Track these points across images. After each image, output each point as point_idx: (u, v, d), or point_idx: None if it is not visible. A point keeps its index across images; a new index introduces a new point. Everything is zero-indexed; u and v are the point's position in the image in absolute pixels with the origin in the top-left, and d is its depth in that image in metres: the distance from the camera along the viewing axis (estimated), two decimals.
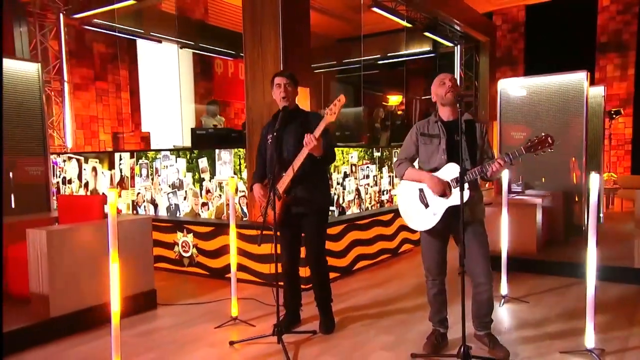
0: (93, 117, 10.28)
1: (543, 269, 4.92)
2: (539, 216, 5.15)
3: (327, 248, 3.87)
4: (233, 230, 3.69)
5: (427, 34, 9.21)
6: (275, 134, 3.34)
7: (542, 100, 5.94)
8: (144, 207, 5.72)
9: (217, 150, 5.05)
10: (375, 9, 7.75)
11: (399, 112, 11.65)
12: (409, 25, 8.68)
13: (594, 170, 7.11)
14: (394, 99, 13.17)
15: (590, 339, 2.98)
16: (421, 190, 3.03)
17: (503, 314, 3.82)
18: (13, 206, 4.71)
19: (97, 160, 6.09)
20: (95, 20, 8.68)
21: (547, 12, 12.14)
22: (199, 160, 5.20)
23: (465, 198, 2.83)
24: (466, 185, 2.84)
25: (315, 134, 3.11)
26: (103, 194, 5.94)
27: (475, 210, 3.01)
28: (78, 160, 6.30)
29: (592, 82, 9.25)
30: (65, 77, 8.86)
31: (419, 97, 11.34)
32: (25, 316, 3.53)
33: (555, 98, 5.87)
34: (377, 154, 6.03)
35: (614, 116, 10.51)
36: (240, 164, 4.94)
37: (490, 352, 3.02)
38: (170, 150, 5.55)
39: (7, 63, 4.66)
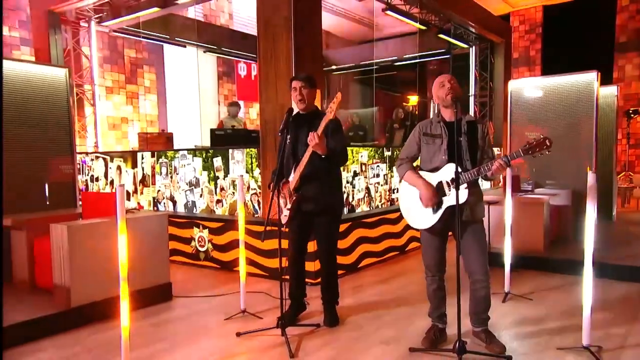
0: (124, 119, 10.52)
1: (550, 267, 4.82)
2: (546, 214, 5.05)
3: None
4: (242, 226, 3.73)
5: (441, 35, 9.10)
6: (289, 135, 3.38)
7: (552, 101, 5.82)
8: (164, 203, 5.83)
9: (230, 150, 5.11)
10: (389, 13, 7.70)
11: (416, 112, 11.58)
12: (422, 27, 8.59)
13: (608, 169, 7.00)
14: (414, 99, 13.08)
15: (586, 336, 2.92)
16: None
17: (505, 311, 3.76)
18: (47, 203, 4.85)
19: (122, 159, 6.23)
20: (124, 27, 8.84)
21: (566, 12, 11.89)
22: (214, 160, 5.27)
23: (463, 198, 2.81)
24: (464, 186, 2.82)
25: (317, 132, 3.12)
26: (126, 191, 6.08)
27: (475, 210, 2.98)
28: (104, 159, 6.45)
29: (608, 82, 9.05)
30: (96, 81, 9.05)
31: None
32: (49, 306, 3.64)
33: (565, 98, 5.74)
34: (387, 153, 5.99)
35: (632, 115, 10.23)
36: (252, 163, 4.98)
37: (486, 348, 2.99)
38: (187, 150, 5.64)
39: (38, 68, 4.78)
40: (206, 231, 5.08)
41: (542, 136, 2.70)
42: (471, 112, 10.10)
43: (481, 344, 3.04)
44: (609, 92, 7.00)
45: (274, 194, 3.25)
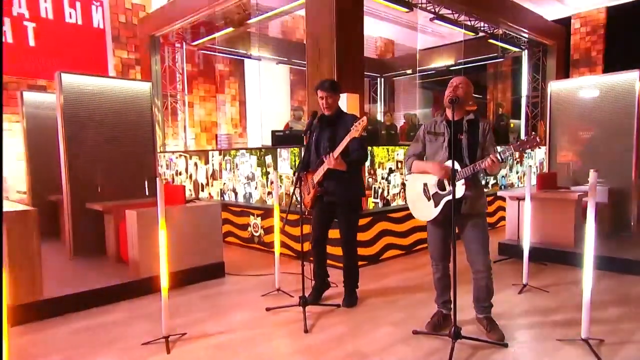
0: (214, 122, 11.15)
1: (578, 261, 4.43)
2: (577, 211, 4.67)
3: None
4: (276, 214, 3.84)
5: (491, 41, 8.63)
6: (315, 134, 3.44)
7: (592, 100, 5.34)
8: (228, 194, 6.12)
9: (278, 149, 5.25)
10: (437, 22, 7.43)
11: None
12: (471, 34, 8.19)
13: None
14: None
15: (585, 329, 2.70)
16: (425, 185, 2.94)
17: (518, 301, 3.56)
18: (147, 193, 5.26)
19: (198, 157, 6.62)
20: (209, 45, 9.34)
21: (630, 12, 10.75)
22: (266, 157, 5.44)
23: (460, 193, 2.71)
24: (462, 181, 2.72)
25: (334, 154, 3.16)
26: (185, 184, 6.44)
27: (476, 204, 2.85)
28: (185, 157, 6.89)
29: None
30: (186, 92, 9.66)
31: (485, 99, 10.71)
32: (125, 276, 4.01)
33: (606, 97, 5.25)
34: None
35: None
36: (295, 161, 5.08)
37: (487, 335, 2.86)
38: (245, 149, 5.88)
39: (126, 83, 5.22)
40: (259, 219, 5.28)
41: (533, 134, 2.53)
42: (523, 113, 9.50)
43: (484, 330, 2.92)
44: None
45: (295, 187, 3.32)
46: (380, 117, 12.18)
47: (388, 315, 3.32)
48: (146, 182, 5.16)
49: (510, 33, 8.44)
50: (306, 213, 3.57)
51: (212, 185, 6.39)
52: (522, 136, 9.12)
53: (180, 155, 7.03)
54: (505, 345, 2.74)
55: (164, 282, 2.93)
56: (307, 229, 3.82)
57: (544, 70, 9.07)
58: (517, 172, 7.47)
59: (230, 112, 11.47)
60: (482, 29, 8.30)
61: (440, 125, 2.94)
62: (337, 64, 4.91)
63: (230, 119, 11.49)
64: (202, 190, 6.51)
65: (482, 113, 11.37)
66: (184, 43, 9.43)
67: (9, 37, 8.84)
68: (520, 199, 4.70)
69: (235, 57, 10.31)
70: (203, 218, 4.34)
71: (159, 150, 8.02)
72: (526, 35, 8.61)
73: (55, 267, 4.42)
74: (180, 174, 7.03)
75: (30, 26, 9.06)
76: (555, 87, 5.71)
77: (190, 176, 6.78)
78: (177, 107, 9.69)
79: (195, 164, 6.64)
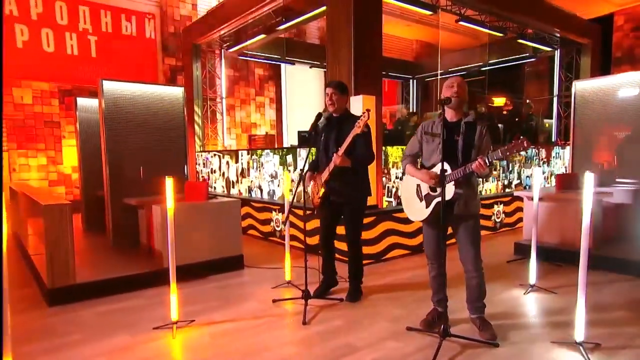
0: (253, 124, 11.37)
1: (595, 263, 4.16)
2: (597, 212, 4.36)
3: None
4: (287, 211, 3.85)
5: (520, 41, 8.20)
6: (323, 135, 3.44)
7: (615, 99, 4.97)
8: (255, 191, 6.22)
9: (298, 149, 5.27)
10: (462, 23, 7.16)
11: (504, 112, 10.59)
12: (498, 34, 7.82)
13: None
14: (498, 100, 12.02)
15: (580, 332, 2.53)
16: (418, 186, 2.86)
17: (522, 302, 3.39)
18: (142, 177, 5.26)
19: (229, 156, 6.77)
20: (246, 51, 9.52)
21: None
22: (287, 157, 5.48)
23: (450, 194, 2.62)
24: (452, 182, 2.62)
25: (339, 152, 3.16)
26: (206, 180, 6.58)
27: (469, 205, 2.73)
28: (219, 156, 7.07)
29: None
30: (224, 95, 9.90)
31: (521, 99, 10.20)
32: (151, 265, 4.17)
33: (630, 96, 4.86)
34: None
35: None
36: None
37: (479, 334, 2.75)
38: (269, 149, 5.94)
39: (161, 89, 5.41)
40: (280, 214, 5.33)
41: (521, 137, 2.39)
42: (554, 113, 8.97)
43: (477, 329, 2.80)
44: None
45: (298, 185, 3.33)
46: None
47: (388, 311, 3.26)
48: (141, 169, 5.24)
49: (542, 33, 7.99)
50: (315, 212, 3.57)
51: (241, 183, 6.52)
52: (554, 137, 8.63)
53: (215, 155, 7.23)
54: (496, 345, 2.62)
55: (172, 273, 3.03)
56: (311, 224, 3.83)
57: (578, 69, 8.52)
58: (543, 172, 7.08)
59: (268, 114, 11.66)
60: (510, 29, 7.91)
61: (437, 126, 2.84)
62: (355, 67, 4.86)
63: (269, 121, 11.69)
64: (233, 187, 6.66)
65: (515, 114, 10.87)
66: (222, 50, 9.67)
67: (75, 50, 9.44)
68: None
69: (271, 62, 10.45)
70: (223, 213, 4.43)
71: (198, 150, 8.30)
72: (558, 35, 8.12)
73: (95, 255, 4.69)
74: (214, 172, 7.23)
75: (92, 40, 9.63)
76: (580, 86, 5.35)
77: (223, 174, 6.95)
78: (216, 110, 9.95)
79: (227, 163, 6.80)
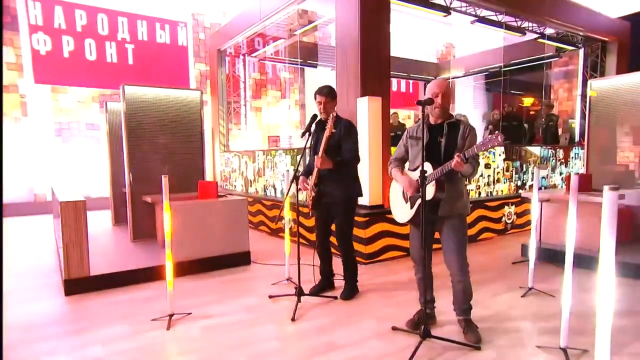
0: (278, 125, 11.46)
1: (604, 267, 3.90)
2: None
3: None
4: (286, 209, 3.83)
5: (541, 40, 7.79)
6: (314, 139, 3.42)
7: (633, 98, 4.63)
8: (270, 189, 6.24)
9: (307, 150, 5.21)
10: (478, 24, 6.88)
11: (531, 112, 10.13)
12: (517, 34, 7.45)
13: None
14: (528, 100, 11.51)
15: (564, 338, 2.38)
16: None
17: (516, 304, 3.22)
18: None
19: (248, 156, 6.83)
20: (269, 55, 9.58)
21: None
22: (297, 157, 5.45)
23: (430, 195, 2.51)
24: (433, 183, 2.52)
25: (319, 154, 3.16)
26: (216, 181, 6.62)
27: (454, 205, 2.62)
28: (238, 156, 7.14)
29: None
30: (247, 97, 10.00)
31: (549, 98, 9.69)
32: (162, 258, 4.23)
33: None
34: None
35: None
36: None
37: (464, 336, 2.63)
38: (282, 149, 5.94)
39: (178, 92, 5.51)
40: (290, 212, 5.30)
41: (496, 132, 2.26)
42: (578, 112, 8.48)
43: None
44: None
45: (290, 185, 3.31)
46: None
47: (378, 310, 3.18)
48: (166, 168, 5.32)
49: (568, 31, 7.55)
50: (310, 214, 3.55)
51: (257, 181, 6.56)
52: (577, 137, 8.16)
53: (235, 155, 7.31)
54: (478, 348, 2.49)
55: (169, 268, 3.06)
56: (311, 222, 3.77)
57: (603, 68, 8.01)
58: (560, 174, 6.70)
59: (293, 115, 11.72)
60: (530, 29, 7.53)
61: (419, 130, 2.74)
62: (361, 68, 4.77)
63: (294, 122, 11.74)
64: (251, 186, 6.71)
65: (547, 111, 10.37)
66: (245, 55, 9.78)
67: (114, 58, 9.84)
68: (543, 200, 4.23)
69: (292, 65, 10.47)
70: (231, 211, 4.47)
71: (222, 150, 8.42)
72: (582, 33, 7.66)
73: (115, 249, 4.84)
74: (234, 171, 7.32)
75: (129, 48, 9.99)
76: (596, 85, 5.03)
77: (242, 173, 7.02)
78: (240, 112, 10.08)
79: (246, 163, 6.86)
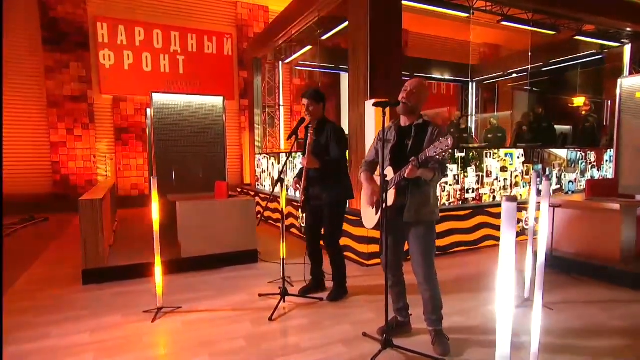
0: None
1: (618, 280, 3.41)
2: (626, 223, 3.55)
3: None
4: (283, 211, 3.73)
5: (578, 37, 7.00)
6: (304, 141, 3.32)
7: None
8: (290, 189, 6.18)
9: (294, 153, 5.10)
10: (505, 23, 6.32)
11: (583, 112, 9.20)
12: (550, 32, 6.74)
13: None
14: (578, 100, 10.48)
15: (534, 356, 2.05)
16: None
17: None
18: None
19: (274, 158, 6.82)
20: (301, 61, 9.55)
21: None
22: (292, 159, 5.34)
23: (390, 200, 2.31)
24: (393, 188, 2.31)
25: (306, 154, 3.09)
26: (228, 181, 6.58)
27: (420, 212, 2.38)
28: (267, 158, 7.16)
29: None
30: (282, 102, 10.02)
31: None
32: (172, 254, 4.29)
33: None
34: (460, 155, 5.03)
35: None
36: None
37: (433, 348, 2.38)
38: (298, 152, 5.85)
39: (202, 99, 5.58)
40: (300, 211, 5.21)
41: (447, 136, 2.01)
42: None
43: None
44: None
45: (275, 186, 3.23)
46: (469, 120, 10.93)
47: (359, 314, 2.99)
48: (173, 172, 5.41)
49: (609, 28, 6.75)
50: (301, 217, 3.45)
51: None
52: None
53: (265, 157, 7.35)
54: None
55: (158, 263, 3.09)
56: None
57: None
58: (592, 177, 5.97)
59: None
60: (565, 26, 6.80)
61: (389, 132, 2.54)
62: (371, 70, 4.57)
63: None
64: (276, 186, 6.70)
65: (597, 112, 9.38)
66: (279, 62, 9.82)
67: (167, 69, 10.32)
68: (555, 206, 3.77)
69: (324, 70, 10.37)
70: (240, 210, 4.46)
71: (258, 152, 8.51)
72: (630, 29, 6.79)
73: (137, 244, 4.99)
74: (263, 172, 7.35)
75: (180, 59, 10.43)
76: (627, 83, 4.42)
77: (269, 173, 7.04)
78: (275, 117, 10.14)
79: (272, 164, 6.87)
